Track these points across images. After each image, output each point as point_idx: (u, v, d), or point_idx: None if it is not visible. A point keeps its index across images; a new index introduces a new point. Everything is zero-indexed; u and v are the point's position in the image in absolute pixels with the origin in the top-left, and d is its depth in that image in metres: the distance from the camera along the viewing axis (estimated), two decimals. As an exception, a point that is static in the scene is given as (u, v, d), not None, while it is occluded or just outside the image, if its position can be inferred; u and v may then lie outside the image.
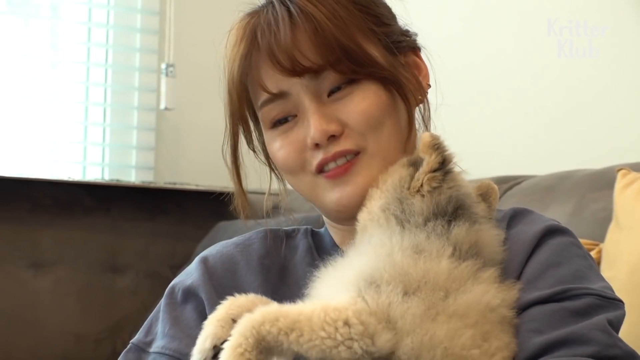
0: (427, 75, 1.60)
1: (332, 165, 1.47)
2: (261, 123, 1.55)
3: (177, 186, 4.24)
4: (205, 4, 4.40)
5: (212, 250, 1.65)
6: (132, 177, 4.30)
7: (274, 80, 1.48)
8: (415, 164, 1.38)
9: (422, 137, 1.36)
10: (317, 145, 1.46)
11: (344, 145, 1.46)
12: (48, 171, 4.14)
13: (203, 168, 4.33)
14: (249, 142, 1.61)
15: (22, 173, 3.96)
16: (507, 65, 3.45)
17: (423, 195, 1.34)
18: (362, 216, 1.41)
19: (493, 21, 3.54)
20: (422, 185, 1.35)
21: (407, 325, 1.23)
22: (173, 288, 1.61)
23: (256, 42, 1.48)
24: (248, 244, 1.64)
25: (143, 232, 4.21)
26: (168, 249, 4.22)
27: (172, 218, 4.28)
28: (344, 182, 1.47)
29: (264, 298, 1.40)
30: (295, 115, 1.49)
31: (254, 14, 1.52)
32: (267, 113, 1.51)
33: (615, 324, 1.32)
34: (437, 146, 1.35)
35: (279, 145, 1.51)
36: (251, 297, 1.39)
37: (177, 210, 4.30)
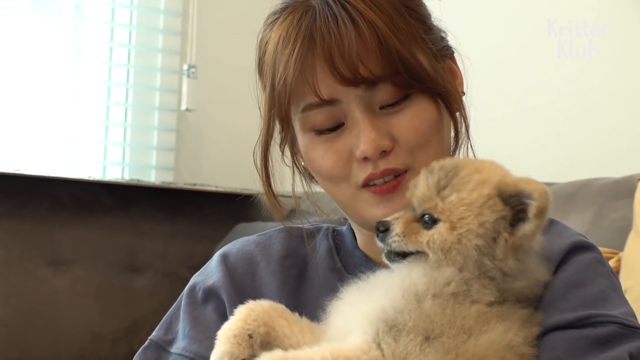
0: (462, 83, 1.56)
1: (379, 181, 1.43)
2: (299, 124, 1.49)
3: (197, 187, 4.24)
4: (228, 6, 4.41)
5: (232, 248, 1.63)
6: (152, 177, 4.30)
7: (327, 86, 1.42)
8: (512, 206, 1.27)
9: (538, 192, 1.25)
10: (366, 159, 1.42)
11: (393, 162, 1.42)
12: (68, 170, 4.15)
13: (223, 169, 4.34)
14: (283, 142, 1.55)
15: (43, 171, 3.98)
16: (507, 64, 3.45)
17: (517, 259, 1.27)
18: (451, 240, 1.27)
19: (493, 21, 3.54)
20: (520, 247, 1.28)
21: None
22: (194, 287, 1.59)
23: (313, 45, 1.42)
24: (269, 244, 1.62)
25: (162, 233, 4.22)
26: (187, 249, 4.23)
27: (191, 219, 4.29)
28: (390, 200, 1.43)
29: (280, 307, 1.36)
30: (342, 124, 1.45)
31: (303, 9, 1.45)
32: (310, 117, 1.46)
33: (637, 356, 1.29)
34: (546, 211, 1.26)
35: (322, 153, 1.46)
36: (266, 306, 1.35)
37: (196, 211, 4.31)
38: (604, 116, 3.13)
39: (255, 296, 1.46)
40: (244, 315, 1.32)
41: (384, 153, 1.42)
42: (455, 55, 1.58)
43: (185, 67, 4.30)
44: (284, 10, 1.49)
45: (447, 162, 1.33)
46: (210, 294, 1.57)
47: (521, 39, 3.42)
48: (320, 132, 1.46)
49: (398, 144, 1.42)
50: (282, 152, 1.57)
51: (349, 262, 1.55)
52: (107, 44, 4.28)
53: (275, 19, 1.49)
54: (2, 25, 4.06)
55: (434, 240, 1.27)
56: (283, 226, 1.63)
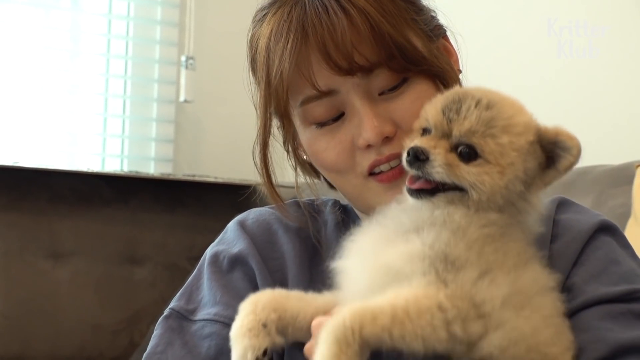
0: (457, 60, 1.56)
1: (384, 167, 1.43)
2: (299, 119, 1.49)
3: (196, 178, 4.24)
4: (226, -3, 4.41)
5: (247, 217, 1.63)
6: (151, 169, 4.31)
7: (323, 77, 1.41)
8: (546, 152, 1.28)
9: (577, 149, 1.26)
10: (369, 146, 1.42)
11: (398, 147, 1.39)
12: (67, 162, 4.16)
13: (222, 160, 4.34)
14: (286, 140, 1.55)
15: (42, 164, 3.98)
16: (507, 65, 3.45)
17: (538, 200, 1.30)
18: (499, 185, 1.25)
19: (493, 21, 3.53)
20: (540, 189, 1.29)
21: (495, 310, 1.19)
22: (216, 256, 1.58)
23: (306, 36, 1.41)
24: (284, 215, 1.61)
25: (161, 224, 4.22)
26: (186, 241, 4.23)
27: (191, 210, 4.28)
28: (397, 186, 1.40)
29: (282, 290, 1.35)
30: (343, 114, 1.44)
31: (292, 2, 1.44)
32: (310, 110, 1.45)
33: None
34: (574, 166, 1.28)
35: (325, 145, 1.46)
36: (269, 294, 1.34)
37: (195, 203, 4.31)
38: (604, 116, 3.13)
39: (277, 263, 1.49)
40: (251, 308, 1.31)
41: (387, 139, 1.41)
42: (454, 37, 1.58)
43: (183, 58, 4.30)
44: (272, 5, 1.48)
45: (491, 96, 1.31)
46: (236, 261, 1.56)
47: (521, 39, 3.42)
48: (321, 124, 1.46)
49: (401, 128, 1.41)
50: (287, 151, 1.57)
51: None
52: (105, 36, 4.28)
53: (264, 15, 1.49)
54: (0, 19, 4.05)
55: (483, 182, 1.25)
56: (293, 200, 1.63)
